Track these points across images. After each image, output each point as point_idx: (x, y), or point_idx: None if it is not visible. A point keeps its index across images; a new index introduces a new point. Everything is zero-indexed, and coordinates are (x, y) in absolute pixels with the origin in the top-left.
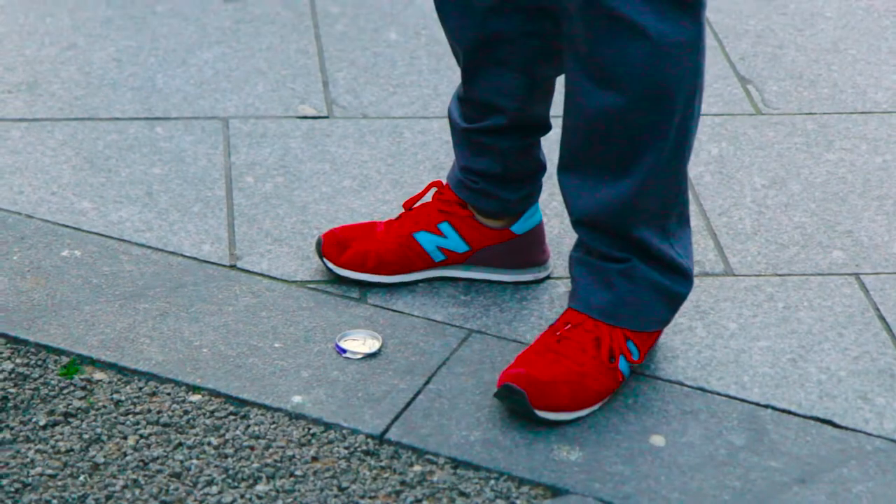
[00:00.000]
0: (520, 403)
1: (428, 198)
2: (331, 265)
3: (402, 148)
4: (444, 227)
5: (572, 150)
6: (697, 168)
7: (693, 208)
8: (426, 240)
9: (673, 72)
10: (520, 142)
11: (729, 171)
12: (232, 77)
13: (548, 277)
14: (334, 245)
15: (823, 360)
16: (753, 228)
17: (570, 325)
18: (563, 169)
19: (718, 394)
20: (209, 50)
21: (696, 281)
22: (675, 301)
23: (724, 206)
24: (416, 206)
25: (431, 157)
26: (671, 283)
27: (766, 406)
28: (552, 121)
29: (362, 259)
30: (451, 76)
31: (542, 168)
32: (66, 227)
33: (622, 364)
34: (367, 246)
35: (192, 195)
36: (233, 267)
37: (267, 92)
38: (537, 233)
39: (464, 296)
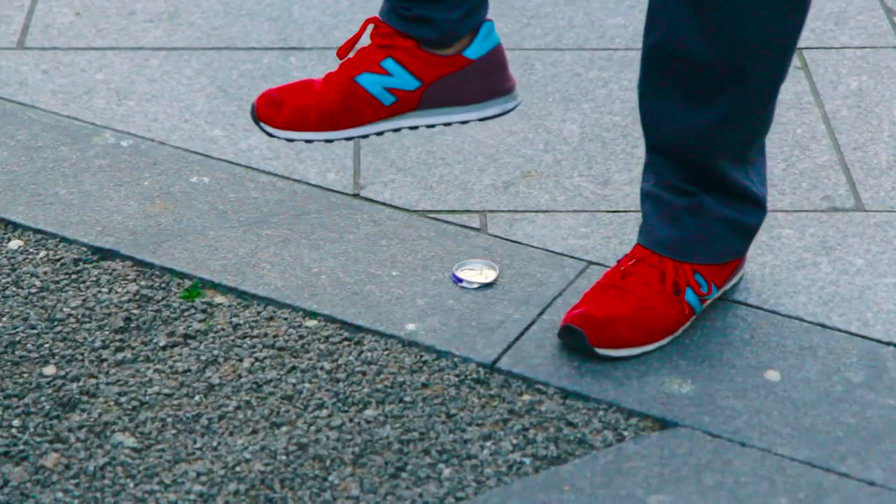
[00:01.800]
0: (579, 342)
1: (366, 42)
2: (269, 128)
3: (533, 80)
4: (389, 63)
5: (655, 71)
6: (834, 101)
7: (827, 142)
8: (370, 81)
9: (778, 8)
10: None
11: (868, 104)
12: (367, 8)
13: (516, 107)
14: (268, 106)
15: None
16: (889, 164)
17: (634, 261)
18: (645, 85)
19: (839, 330)
20: None
21: (824, 216)
22: (747, 232)
23: (859, 140)
24: (354, 52)
25: (561, 89)
26: (741, 215)
27: (889, 343)
28: None
29: (302, 115)
30: (587, 7)
31: None
32: (197, 153)
33: (690, 297)
34: (306, 100)
35: None
36: (356, 196)
37: None
38: (497, 56)
39: (584, 227)
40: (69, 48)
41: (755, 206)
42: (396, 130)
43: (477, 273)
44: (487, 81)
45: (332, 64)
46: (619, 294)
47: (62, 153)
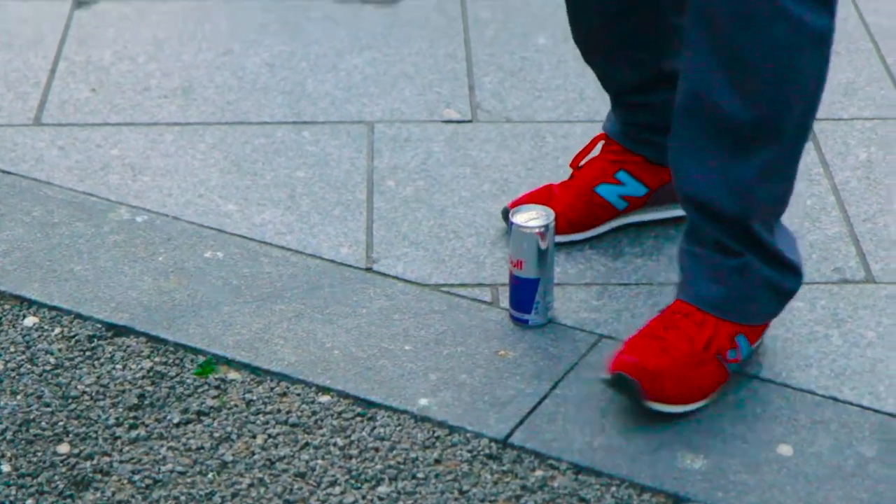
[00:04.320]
0: (630, 392)
1: (595, 152)
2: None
3: (544, 152)
4: (622, 175)
5: (688, 124)
6: (843, 173)
7: (836, 214)
8: (607, 191)
9: (807, 59)
10: (670, 94)
11: (877, 176)
12: (380, 82)
13: None
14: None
15: None
16: None
17: (679, 315)
18: (676, 139)
19: (851, 404)
20: (359, 55)
21: (835, 288)
22: (785, 297)
23: (868, 212)
24: (584, 162)
25: None
26: (783, 280)
27: None
28: None
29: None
30: (597, 81)
31: None
32: (211, 228)
33: (730, 358)
34: (553, 209)
35: (333, 198)
36: (369, 270)
37: (413, 96)
38: None
39: (596, 301)
40: (85, 124)
41: (792, 272)
42: (623, 226)
43: (534, 216)
44: None
45: (345, 139)
46: (663, 346)
47: (77, 229)
